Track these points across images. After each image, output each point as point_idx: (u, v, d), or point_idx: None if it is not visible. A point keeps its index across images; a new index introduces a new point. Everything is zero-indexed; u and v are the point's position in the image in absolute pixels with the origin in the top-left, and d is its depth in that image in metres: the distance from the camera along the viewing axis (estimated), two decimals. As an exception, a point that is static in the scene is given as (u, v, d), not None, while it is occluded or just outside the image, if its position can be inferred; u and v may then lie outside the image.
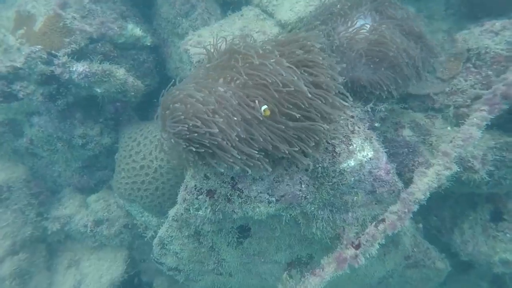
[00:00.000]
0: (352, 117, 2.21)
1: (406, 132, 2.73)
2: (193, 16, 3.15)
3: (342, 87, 1.94)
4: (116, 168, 3.19)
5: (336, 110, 1.90)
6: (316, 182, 2.11)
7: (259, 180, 2.10)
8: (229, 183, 2.15)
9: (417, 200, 2.20)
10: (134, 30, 3.26)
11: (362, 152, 2.14)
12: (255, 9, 3.18)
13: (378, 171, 2.21)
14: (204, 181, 2.20)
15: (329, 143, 2.10)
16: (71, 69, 2.69)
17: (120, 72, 2.90)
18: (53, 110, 2.92)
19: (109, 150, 3.42)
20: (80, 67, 2.69)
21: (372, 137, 2.21)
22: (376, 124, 2.54)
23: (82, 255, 3.39)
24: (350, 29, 2.53)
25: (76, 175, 3.46)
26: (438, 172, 2.26)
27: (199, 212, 2.37)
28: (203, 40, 2.80)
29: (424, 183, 2.23)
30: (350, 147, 2.11)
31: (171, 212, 2.79)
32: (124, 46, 3.30)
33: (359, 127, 2.18)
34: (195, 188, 2.24)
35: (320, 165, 2.07)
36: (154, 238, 2.97)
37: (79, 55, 2.87)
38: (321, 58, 1.88)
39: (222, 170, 1.99)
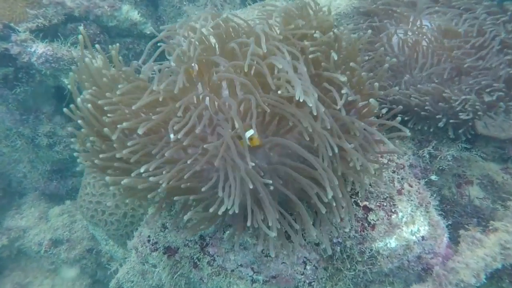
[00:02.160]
0: (402, 167, 1.41)
1: (475, 192, 1.87)
2: (202, 0, 2.47)
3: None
4: (83, 180, 2.55)
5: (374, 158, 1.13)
6: (330, 266, 1.32)
7: (240, 248, 1.34)
8: (196, 242, 1.42)
9: (462, 285, 1.36)
10: (131, 13, 2.62)
11: (411, 227, 1.34)
12: (283, 1, 2.45)
13: (432, 258, 1.39)
14: (161, 233, 1.48)
15: (359, 205, 1.31)
16: (29, 49, 2.08)
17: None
18: (10, 99, 2.32)
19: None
20: (40, 48, 2.08)
21: (429, 203, 1.40)
22: (433, 177, 1.71)
23: (33, 279, 2.77)
24: (412, 29, 1.74)
25: (44, 178, 2.86)
26: (505, 243, 1.42)
27: (156, 269, 1.66)
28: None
29: (478, 257, 1.39)
30: (393, 216, 1.31)
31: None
32: (117, 31, 2.68)
33: (410, 185, 1.38)
34: (149, 241, 1.53)
35: (340, 239, 1.28)
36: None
37: (49, 34, 2.26)
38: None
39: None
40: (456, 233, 1.51)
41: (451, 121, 1.56)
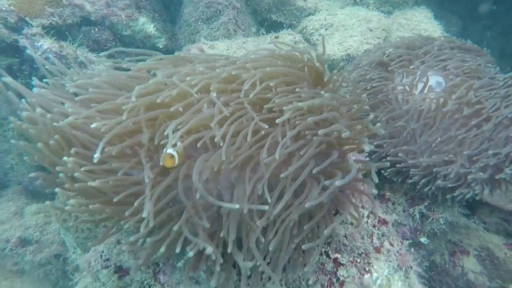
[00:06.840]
0: (385, 222, 1.27)
1: (470, 264, 1.69)
2: (216, 23, 2.49)
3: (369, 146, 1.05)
4: (64, 181, 2.47)
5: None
6: (286, 322, 1.16)
7: (192, 281, 1.21)
8: (150, 267, 1.30)
9: None
10: (146, 25, 2.66)
11: (386, 292, 1.17)
12: (296, 35, 2.45)
13: (407, 334, 1.21)
14: (115, 249, 1.36)
15: (329, 257, 1.17)
16: (36, 43, 2.10)
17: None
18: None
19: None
20: (47, 44, 2.10)
21: (410, 267, 1.24)
22: (422, 240, 1.56)
23: (-7, 277, 2.63)
24: (415, 85, 1.67)
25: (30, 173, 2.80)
26: None
27: (106, 290, 1.52)
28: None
29: None
30: (366, 276, 1.16)
31: (97, 266, 1.96)
32: (130, 41, 2.71)
33: (391, 244, 1.23)
34: (101, 256, 1.40)
35: (301, 292, 1.13)
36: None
37: (61, 33, 2.29)
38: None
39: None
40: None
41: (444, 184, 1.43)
